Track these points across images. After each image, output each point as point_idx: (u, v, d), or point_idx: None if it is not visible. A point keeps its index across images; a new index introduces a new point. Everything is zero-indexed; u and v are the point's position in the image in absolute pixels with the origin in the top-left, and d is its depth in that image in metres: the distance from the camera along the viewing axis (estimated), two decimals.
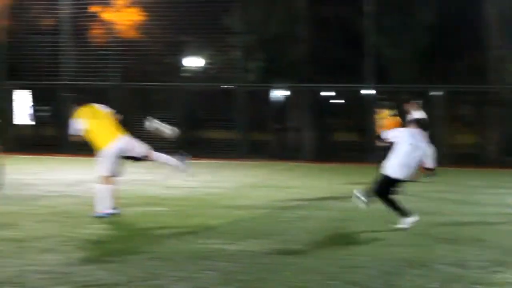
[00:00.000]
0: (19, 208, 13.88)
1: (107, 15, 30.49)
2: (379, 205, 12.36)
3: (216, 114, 29.54)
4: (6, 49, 29.84)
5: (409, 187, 15.90)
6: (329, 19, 29.85)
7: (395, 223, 12.02)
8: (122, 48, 29.48)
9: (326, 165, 26.69)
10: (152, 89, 30.45)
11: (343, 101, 34.07)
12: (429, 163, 12.25)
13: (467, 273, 8.94)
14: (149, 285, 8.11)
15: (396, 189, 12.46)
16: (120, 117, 13.23)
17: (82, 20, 30.05)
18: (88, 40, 30.33)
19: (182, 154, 13.39)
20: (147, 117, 14.56)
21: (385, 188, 12.13)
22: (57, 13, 30.05)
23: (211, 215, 13.32)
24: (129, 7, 30.56)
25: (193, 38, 30.19)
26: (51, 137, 29.72)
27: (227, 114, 29.32)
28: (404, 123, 12.23)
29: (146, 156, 13.04)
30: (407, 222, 11.99)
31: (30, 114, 29.84)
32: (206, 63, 31.84)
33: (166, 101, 30.66)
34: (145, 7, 30.45)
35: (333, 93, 33.09)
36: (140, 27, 30.61)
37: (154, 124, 13.69)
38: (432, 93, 27.93)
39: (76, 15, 29.95)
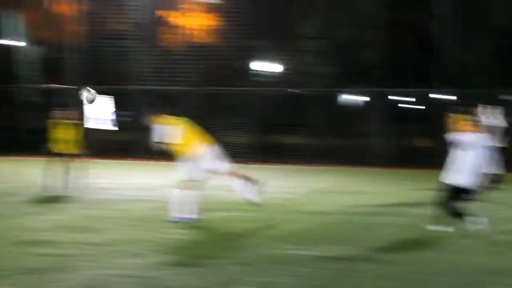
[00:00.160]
0: (100, 212, 14.24)
1: (181, 20, 30.83)
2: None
3: (286, 118, 29.63)
4: (85, 54, 30.35)
5: (482, 194, 15.81)
6: (400, 23, 29.72)
7: (467, 229, 11.97)
8: (196, 53, 29.71)
9: (396, 171, 26.60)
10: (224, 94, 30.67)
11: (414, 105, 33.86)
12: (495, 169, 12.01)
13: None
14: None
15: (466, 196, 12.20)
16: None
17: (158, 25, 30.42)
18: (163, 45, 30.70)
19: (254, 183, 13.39)
20: (85, 87, 14.73)
21: (452, 197, 11.95)
22: (133, 19, 30.44)
23: (285, 221, 13.48)
24: (203, 12, 30.86)
25: (265, 42, 30.34)
26: (128, 142, 30.08)
27: (297, 119, 29.40)
28: (475, 128, 12.10)
29: (223, 172, 13.10)
30: (476, 227, 11.87)
31: (113, 120, 30.29)
32: (278, 68, 31.97)
33: (238, 106, 30.87)
34: (219, 12, 30.70)
35: (404, 98, 32.90)
36: (215, 31, 30.87)
37: (89, 95, 13.51)
38: (504, 97, 27.61)
39: (151, 20, 30.33)
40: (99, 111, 29.70)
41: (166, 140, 13.08)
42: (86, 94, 18.19)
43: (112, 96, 29.71)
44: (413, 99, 32.75)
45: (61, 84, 29.39)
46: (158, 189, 17.87)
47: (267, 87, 31.31)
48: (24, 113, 30.74)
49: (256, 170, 19.92)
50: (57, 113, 17.52)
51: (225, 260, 9.82)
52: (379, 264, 9.70)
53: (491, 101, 22.89)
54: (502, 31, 28.65)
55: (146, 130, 13.52)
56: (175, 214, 12.96)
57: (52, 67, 31.30)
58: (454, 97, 27.35)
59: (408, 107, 33.87)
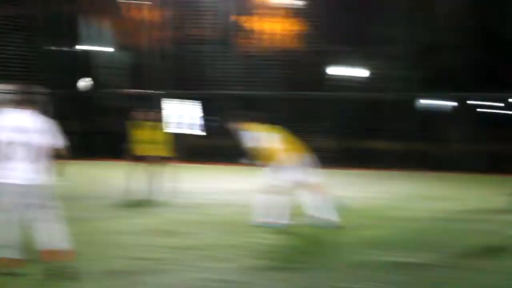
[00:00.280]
0: (186, 216, 14.20)
1: (264, 25, 30.82)
2: None
3: (368, 123, 29.33)
4: (169, 59, 30.55)
5: None
6: (481, 26, 29.15)
7: None
8: (279, 58, 29.64)
9: (479, 176, 26.01)
10: (306, 99, 30.48)
11: (496, 110, 33.18)
12: None
13: None
14: None
15: None
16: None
17: (240, 30, 30.47)
18: (246, 50, 30.71)
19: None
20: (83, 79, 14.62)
21: None
22: (216, 24, 30.52)
23: (370, 226, 13.22)
24: (285, 16, 30.78)
25: (347, 47, 30.12)
26: (213, 147, 30.10)
27: (379, 124, 29.07)
28: None
29: (310, 184, 12.85)
30: None
31: (200, 124, 30.42)
32: (359, 72, 31.69)
33: (320, 110, 30.66)
34: (301, 17, 30.59)
35: (485, 102, 32.27)
36: (297, 36, 30.78)
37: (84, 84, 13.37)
38: None
39: (234, 25, 30.38)
40: (183, 116, 29.82)
41: (256, 145, 12.87)
42: (82, 83, 18.22)
43: (199, 101, 29.80)
44: (495, 104, 32.09)
45: (145, 90, 29.59)
46: (244, 194, 17.73)
47: (348, 92, 31.01)
48: (106, 117, 31.07)
49: (338, 175, 19.69)
50: (138, 114, 17.50)
51: (312, 265, 9.64)
52: (475, 273, 9.36)
53: None
54: None
55: (232, 135, 13.38)
56: (261, 218, 12.80)
57: (136, 72, 31.58)
58: None
59: (490, 112, 33.21)
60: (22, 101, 8.68)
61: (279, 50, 30.31)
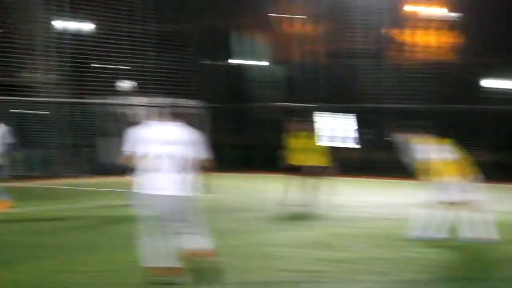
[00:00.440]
0: (341, 229, 14.08)
1: (415, 37, 30.35)
2: None
3: None
4: (322, 73, 30.50)
5: None
6: None
7: None
8: (431, 70, 29.06)
9: None
10: (459, 112, 29.67)
11: None
12: None
13: None
14: None
15: None
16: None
17: (392, 43, 30.11)
18: (397, 62, 30.30)
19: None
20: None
21: None
22: (367, 37, 30.26)
23: None
24: (437, 29, 30.19)
25: (500, 59, 29.17)
26: (368, 160, 29.73)
27: None
28: None
29: (471, 202, 12.39)
30: None
31: (354, 138, 30.24)
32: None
33: (474, 124, 29.76)
34: (452, 29, 29.91)
35: None
36: (449, 48, 30.11)
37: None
38: None
39: (385, 38, 30.06)
40: (336, 129, 29.67)
41: (424, 159, 12.47)
42: (123, 85, 18.36)
43: (352, 114, 29.58)
44: None
45: (298, 103, 29.65)
46: (400, 207, 17.36)
47: (504, 105, 29.98)
48: (260, 131, 31.30)
49: (495, 190, 19.02)
50: (293, 124, 17.50)
51: (470, 280, 9.29)
52: None
53: None
54: None
55: (390, 148, 13.11)
56: (418, 232, 12.46)
57: (289, 86, 31.69)
58: None
59: None
60: (169, 114, 8.80)
61: (432, 62, 29.71)
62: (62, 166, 27.78)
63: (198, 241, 8.82)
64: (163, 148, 8.50)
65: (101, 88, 28.28)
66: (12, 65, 27.11)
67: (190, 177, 8.62)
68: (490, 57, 29.29)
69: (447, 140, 12.64)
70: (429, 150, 12.49)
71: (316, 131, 18.41)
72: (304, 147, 16.97)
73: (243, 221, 15.15)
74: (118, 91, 28.73)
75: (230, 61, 33.73)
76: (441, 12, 30.62)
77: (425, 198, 12.47)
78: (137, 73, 29.29)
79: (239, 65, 33.77)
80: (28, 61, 27.78)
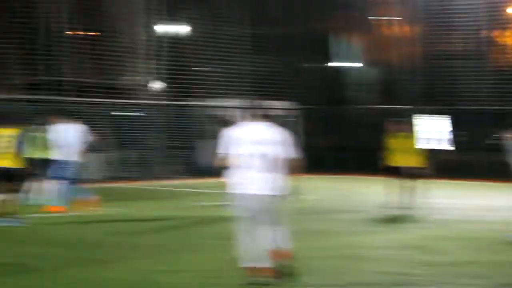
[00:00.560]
0: (438, 232, 13.72)
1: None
2: None
3: None
4: (418, 74, 29.98)
5: None
6: None
7: None
8: None
9: None
10: None
11: None
12: None
13: None
14: None
15: None
16: None
17: (490, 44, 29.39)
18: (496, 64, 29.54)
19: None
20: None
21: None
22: (465, 38, 29.59)
23: None
24: None
25: None
26: (464, 162, 29.06)
27: None
28: None
29: None
30: None
31: (450, 140, 29.67)
32: None
33: None
34: None
35: None
36: None
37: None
38: None
39: (484, 39, 29.35)
40: (432, 131, 29.10)
41: None
42: (156, 85, 18.39)
43: (448, 116, 28.97)
44: None
45: (395, 105, 29.21)
46: (501, 211, 16.86)
47: None
48: (355, 132, 30.98)
49: None
50: (393, 126, 17.24)
51: None
52: None
53: None
54: None
55: (487, 150, 12.69)
56: None
57: (385, 88, 31.27)
58: None
59: None
60: (260, 115, 8.84)
61: None
62: (159, 168, 28.07)
63: (281, 242, 8.78)
64: (254, 148, 8.56)
65: (198, 90, 28.52)
66: (114, 68, 27.59)
67: (280, 176, 8.64)
68: None
69: None
70: None
71: (414, 132, 18.04)
72: (402, 148, 16.70)
73: (338, 223, 14.96)
74: (214, 93, 28.88)
75: (326, 63, 33.53)
76: None
77: None
78: (233, 75, 29.37)
79: (336, 67, 33.54)
80: (128, 64, 28.22)
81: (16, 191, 14.34)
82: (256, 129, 8.70)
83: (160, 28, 29.77)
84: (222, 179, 9.33)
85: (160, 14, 28.79)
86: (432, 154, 18.45)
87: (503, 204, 17.95)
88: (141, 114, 28.69)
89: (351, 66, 33.62)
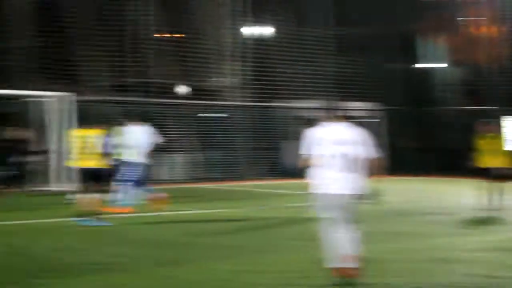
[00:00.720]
0: None
1: None
2: None
3: None
4: (505, 75, 29.25)
5: None
6: None
7: None
8: None
9: None
10: None
11: None
12: None
13: None
14: None
15: None
16: None
17: None
18: None
19: None
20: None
21: None
22: None
23: None
24: None
25: None
26: None
27: None
28: None
29: None
30: None
31: None
32: None
33: None
34: None
35: None
36: None
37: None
38: None
39: None
40: None
41: None
42: (180, 89, 18.23)
43: None
44: None
45: (482, 106, 28.55)
46: None
47: None
48: (441, 134, 30.42)
49: None
50: (481, 126, 16.83)
51: None
52: None
53: None
54: None
55: None
56: None
57: (472, 89, 30.59)
58: None
59: None
60: (340, 115, 8.86)
61: None
62: (243, 169, 28.07)
63: (353, 244, 8.68)
64: (336, 148, 8.58)
65: (282, 91, 28.41)
66: (199, 70, 27.71)
67: (360, 177, 8.65)
68: None
69: None
70: None
71: (502, 133, 17.58)
72: (491, 149, 16.30)
73: (424, 225, 14.64)
74: (298, 94, 28.74)
75: (412, 64, 33.01)
76: None
77: None
78: (316, 76, 29.17)
79: (421, 68, 32.99)
80: (214, 66, 28.29)
81: (102, 191, 14.43)
82: (337, 130, 8.72)
83: (245, 30, 29.76)
84: (305, 180, 9.22)
85: (245, 15, 28.78)
86: None
87: None
88: (225, 116, 28.76)
89: (437, 67, 33.01)
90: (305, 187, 9.16)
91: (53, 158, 22.03)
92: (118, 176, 16.23)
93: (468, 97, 30.55)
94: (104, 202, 14.74)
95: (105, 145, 14.35)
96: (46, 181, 22.17)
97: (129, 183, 16.30)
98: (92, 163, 14.14)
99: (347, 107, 26.47)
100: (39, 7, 23.86)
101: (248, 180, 26.76)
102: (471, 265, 10.02)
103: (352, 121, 8.83)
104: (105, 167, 14.36)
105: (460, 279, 9.06)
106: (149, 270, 9.71)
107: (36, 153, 22.19)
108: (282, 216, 16.11)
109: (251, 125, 28.44)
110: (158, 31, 27.46)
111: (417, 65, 33.07)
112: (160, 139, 17.18)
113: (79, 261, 10.20)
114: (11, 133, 21.10)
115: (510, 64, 29.47)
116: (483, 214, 15.61)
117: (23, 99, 23.45)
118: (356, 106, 27.96)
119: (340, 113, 8.87)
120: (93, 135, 14.28)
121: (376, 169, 8.67)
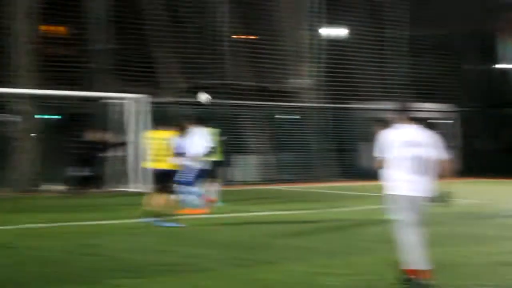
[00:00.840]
0: None
1: None
2: None
3: None
4: None
5: None
6: None
7: None
8: None
9: None
10: None
11: None
12: None
13: None
14: None
15: None
16: None
17: None
18: None
19: None
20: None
21: None
22: None
23: None
24: None
25: None
26: None
27: None
28: None
29: None
30: None
31: None
32: None
33: None
34: None
35: None
36: None
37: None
38: None
39: None
40: None
41: None
42: (202, 97, 18.11)
43: None
44: None
45: None
46: None
47: None
48: None
49: None
50: None
51: None
52: None
53: None
54: None
55: None
56: None
57: None
58: None
59: None
60: (412, 117, 8.83)
61: None
62: (316, 170, 27.90)
63: (424, 246, 8.61)
64: (408, 150, 8.56)
65: (356, 92, 28.18)
66: (275, 71, 27.64)
67: (432, 179, 8.60)
68: None
69: None
70: None
71: None
72: None
73: (497, 227, 14.32)
74: (372, 95, 28.48)
75: (490, 64, 32.36)
76: None
77: None
78: (391, 77, 28.87)
79: (500, 69, 32.30)
80: (290, 68, 28.19)
81: (172, 192, 14.45)
82: (409, 132, 8.68)
83: (320, 31, 29.55)
84: (379, 182, 9.18)
85: (320, 17, 28.58)
86: None
87: None
88: (298, 117, 28.67)
89: None
90: (380, 189, 9.10)
91: (130, 159, 22.26)
92: (179, 179, 16.15)
93: None
94: (178, 203, 14.79)
95: (177, 147, 14.42)
96: (123, 182, 22.43)
97: (196, 184, 16.28)
98: (166, 165, 14.20)
99: (421, 108, 26.15)
100: (117, 10, 24.10)
101: (321, 181, 26.60)
102: None
103: (425, 123, 8.78)
104: (174, 169, 14.44)
105: None
106: (225, 271, 9.70)
107: (114, 154, 22.43)
108: (357, 218, 15.96)
109: (325, 126, 28.25)
110: (235, 33, 27.45)
111: (496, 66, 32.38)
112: (216, 142, 17.14)
113: (155, 262, 10.24)
114: (91, 135, 21.35)
115: None
116: None
117: (101, 101, 23.77)
118: (430, 107, 27.55)
119: (413, 114, 8.83)
120: (167, 137, 14.34)
121: (447, 171, 8.62)
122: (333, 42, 29.53)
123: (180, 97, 25.10)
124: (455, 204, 15.55)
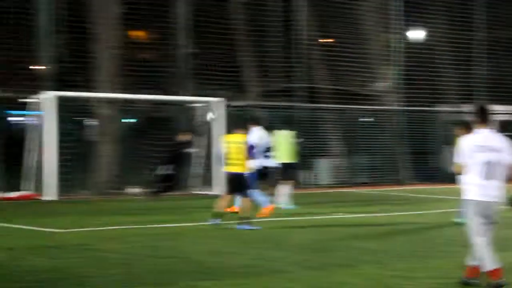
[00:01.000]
0: None
1: None
2: None
3: None
4: None
5: None
6: None
7: None
8: None
9: None
10: None
11: None
12: None
13: None
14: None
15: None
16: None
17: None
18: None
19: None
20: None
21: None
22: None
23: None
24: None
25: None
26: None
27: None
28: None
29: None
30: None
31: None
32: None
33: None
34: None
35: None
36: None
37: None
38: None
39: None
40: None
41: None
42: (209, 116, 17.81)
43: None
44: None
45: None
46: None
47: None
48: None
49: None
50: None
51: None
52: None
53: None
54: None
55: None
56: None
57: None
58: None
59: None
60: (490, 121, 8.70)
61: None
62: (396, 173, 27.53)
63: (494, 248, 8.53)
64: (484, 155, 8.47)
65: (434, 95, 27.74)
66: (356, 75, 27.39)
67: (504, 183, 8.54)
68: None
69: None
70: None
71: None
72: None
73: None
74: (449, 98, 27.99)
75: None
76: None
77: None
78: (468, 80, 28.33)
79: None
80: (370, 71, 27.88)
81: (247, 195, 14.34)
82: (486, 136, 8.56)
83: (399, 34, 29.16)
84: (457, 185, 8.88)
85: (399, 19, 28.17)
86: None
87: None
88: (371, 120, 28.40)
89: None
90: (458, 192, 9.04)
91: (207, 162, 22.32)
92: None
93: None
94: (254, 206, 14.71)
95: (250, 150, 14.38)
96: (204, 184, 22.53)
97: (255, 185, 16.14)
98: (239, 168, 14.15)
99: (500, 111, 25.53)
100: (199, 14, 24.18)
101: (399, 185, 26.25)
102: None
103: (502, 125, 8.55)
104: (250, 172, 14.39)
105: None
106: (300, 273, 9.61)
107: (196, 155, 22.53)
108: (433, 221, 15.68)
109: (403, 129, 27.84)
110: (319, 36, 27.25)
111: None
112: (297, 142, 16.99)
113: (229, 264, 10.24)
114: (180, 136, 21.30)
115: None
116: None
117: (181, 105, 23.93)
118: (508, 109, 26.92)
119: (490, 118, 8.70)
120: (236, 141, 14.28)
121: None
122: (411, 45, 29.10)
123: (261, 100, 25.11)
124: None
